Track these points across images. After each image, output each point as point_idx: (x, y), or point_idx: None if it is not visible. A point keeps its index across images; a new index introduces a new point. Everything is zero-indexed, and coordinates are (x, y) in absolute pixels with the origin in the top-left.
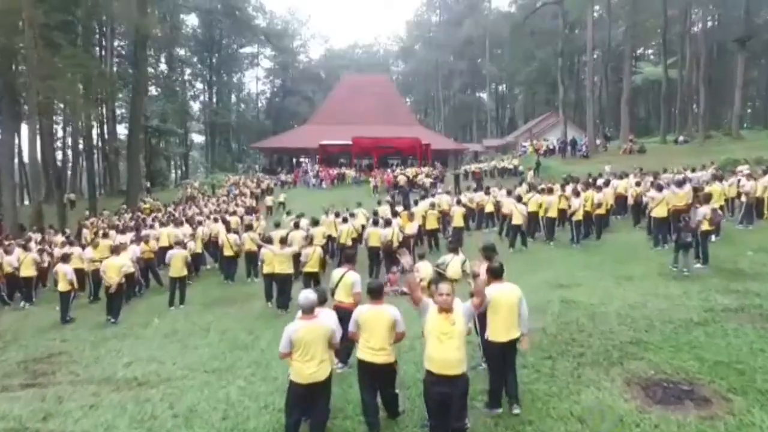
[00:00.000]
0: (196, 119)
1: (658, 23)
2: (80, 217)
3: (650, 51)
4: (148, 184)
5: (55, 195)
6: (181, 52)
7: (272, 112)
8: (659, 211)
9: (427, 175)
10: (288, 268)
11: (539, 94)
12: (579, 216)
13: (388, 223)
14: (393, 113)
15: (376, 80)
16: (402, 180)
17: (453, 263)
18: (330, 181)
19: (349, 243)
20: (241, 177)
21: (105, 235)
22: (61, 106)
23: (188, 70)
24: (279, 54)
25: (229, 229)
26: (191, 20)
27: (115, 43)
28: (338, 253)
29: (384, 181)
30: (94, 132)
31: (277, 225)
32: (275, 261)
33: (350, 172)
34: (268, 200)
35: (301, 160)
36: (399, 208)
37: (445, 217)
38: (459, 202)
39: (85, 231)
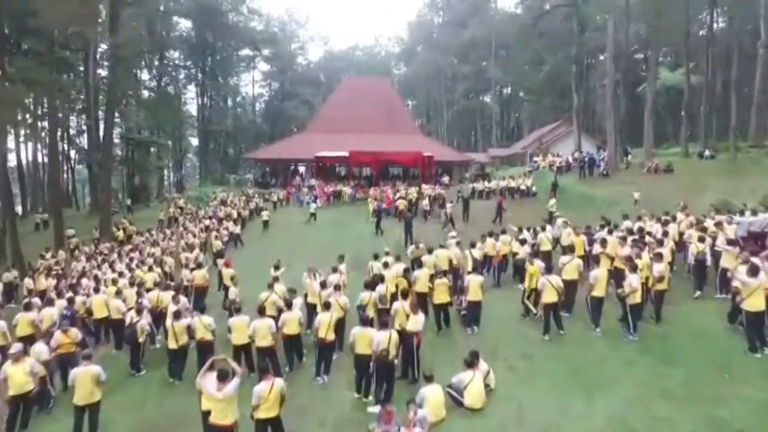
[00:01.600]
0: (190, 124)
1: (674, 26)
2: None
3: (661, 55)
4: (129, 202)
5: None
6: (176, 54)
7: (270, 116)
8: (755, 303)
9: (433, 198)
10: (229, 417)
11: (548, 100)
12: (637, 299)
13: (383, 324)
14: (394, 120)
15: (377, 84)
16: (402, 205)
17: (474, 385)
18: (325, 198)
19: (331, 337)
20: (229, 194)
21: (27, 307)
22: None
23: (183, 74)
24: (276, 57)
25: (179, 315)
26: (184, 22)
27: (104, 47)
28: (316, 349)
29: (383, 201)
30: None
31: (239, 310)
32: (211, 404)
33: (347, 189)
34: (264, 215)
35: (299, 167)
36: (392, 265)
37: (456, 274)
38: (476, 269)
39: (27, 281)
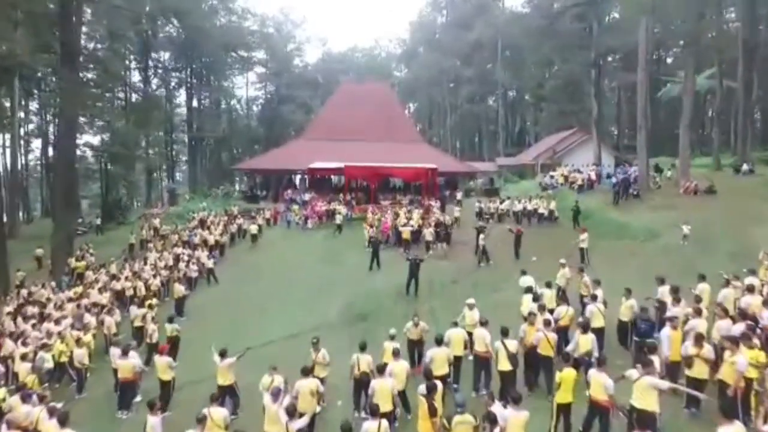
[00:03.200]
0: (181, 130)
1: (705, 25)
2: None
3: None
4: (99, 221)
5: None
6: (166, 55)
7: (266, 121)
8: None
9: (442, 225)
10: None
11: (557, 106)
12: None
13: None
14: (394, 127)
15: (376, 89)
16: (406, 234)
17: None
18: (317, 219)
19: None
20: (210, 213)
21: None
22: None
23: (174, 77)
24: (272, 58)
25: None
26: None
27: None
28: None
29: (381, 226)
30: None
31: None
32: None
33: (341, 208)
34: (253, 228)
35: (294, 177)
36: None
37: (483, 365)
38: (517, 400)
39: None
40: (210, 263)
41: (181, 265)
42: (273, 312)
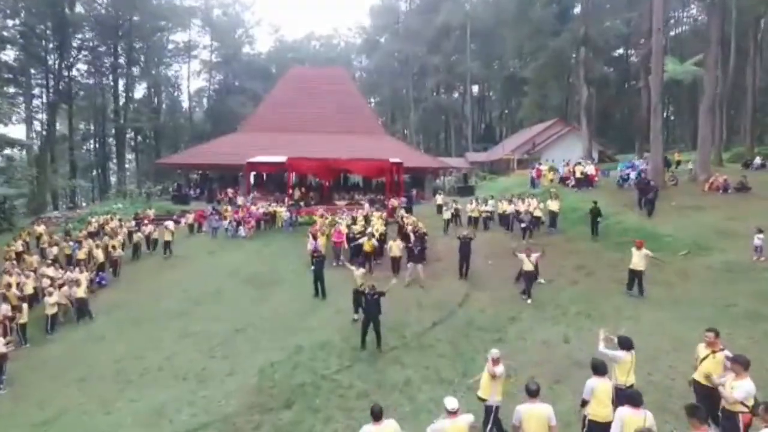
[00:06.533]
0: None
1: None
2: None
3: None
4: None
5: None
6: (88, 35)
7: (213, 114)
8: None
9: (415, 236)
10: None
11: (533, 97)
12: None
13: None
14: (353, 117)
15: (331, 74)
16: (369, 246)
17: None
18: (254, 222)
19: None
20: (114, 217)
21: None
22: None
23: (105, 61)
24: (219, 44)
25: None
26: None
27: None
28: None
29: (332, 236)
30: None
31: None
32: None
33: (282, 211)
34: (167, 234)
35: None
36: None
37: None
38: None
39: None
40: (82, 291)
41: (50, 291)
42: (141, 386)
